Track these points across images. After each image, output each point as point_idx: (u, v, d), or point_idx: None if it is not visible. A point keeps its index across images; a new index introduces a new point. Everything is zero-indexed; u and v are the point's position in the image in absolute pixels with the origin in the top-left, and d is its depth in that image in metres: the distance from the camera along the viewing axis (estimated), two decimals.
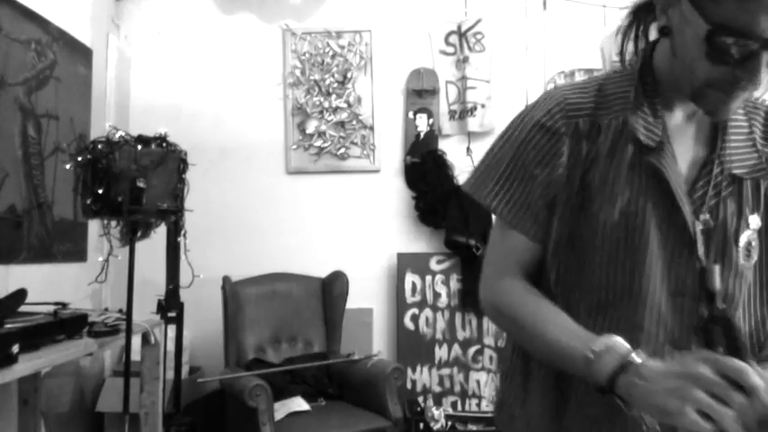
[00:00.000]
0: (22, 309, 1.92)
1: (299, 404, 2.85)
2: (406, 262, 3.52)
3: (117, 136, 2.10)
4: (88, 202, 2.08)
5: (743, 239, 0.89)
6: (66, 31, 2.94)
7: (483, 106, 3.59)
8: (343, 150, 3.64)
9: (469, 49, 3.61)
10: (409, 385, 3.40)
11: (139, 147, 2.12)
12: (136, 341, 2.31)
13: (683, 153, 0.90)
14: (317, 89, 3.66)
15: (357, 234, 3.65)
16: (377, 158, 3.65)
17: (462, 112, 3.61)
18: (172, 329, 2.56)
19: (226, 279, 3.17)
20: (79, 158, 2.11)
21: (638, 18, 0.94)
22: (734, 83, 0.79)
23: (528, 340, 0.93)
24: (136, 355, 2.39)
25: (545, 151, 0.92)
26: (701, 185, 0.89)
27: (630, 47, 0.95)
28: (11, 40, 2.53)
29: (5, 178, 2.48)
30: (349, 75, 3.65)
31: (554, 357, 0.87)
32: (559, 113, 0.92)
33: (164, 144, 2.20)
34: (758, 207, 0.91)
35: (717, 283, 0.84)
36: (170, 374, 2.68)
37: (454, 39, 3.65)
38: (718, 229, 0.88)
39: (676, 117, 0.91)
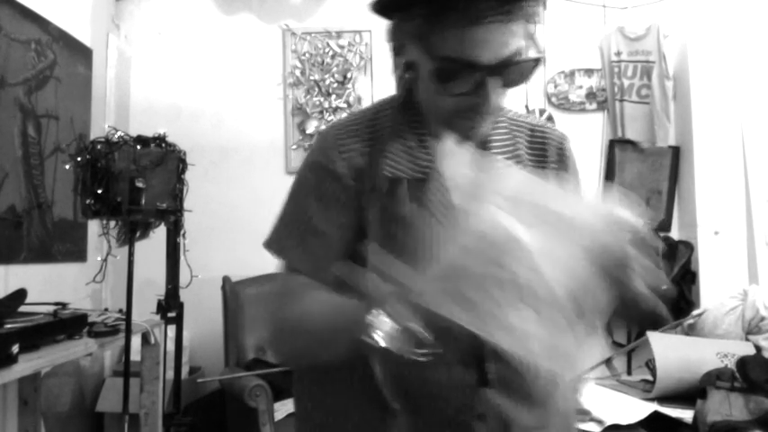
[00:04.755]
0: (22, 309, 1.92)
1: None
2: None
3: (116, 136, 2.10)
4: (88, 202, 2.09)
5: None
6: (66, 31, 2.94)
7: None
8: None
9: None
10: None
11: (138, 147, 2.12)
12: (136, 341, 2.31)
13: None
14: (316, 89, 3.66)
15: None
16: None
17: None
18: (172, 329, 2.57)
19: (226, 279, 3.17)
20: (78, 159, 2.11)
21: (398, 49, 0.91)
22: (474, 110, 0.83)
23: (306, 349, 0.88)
24: (136, 355, 2.40)
25: (328, 196, 0.90)
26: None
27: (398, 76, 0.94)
28: (11, 40, 2.53)
29: (5, 178, 2.49)
30: (349, 75, 3.65)
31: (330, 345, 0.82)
32: (335, 154, 0.91)
33: (163, 144, 2.20)
34: None
35: None
36: (170, 374, 2.68)
37: None
38: None
39: (447, 144, 0.90)
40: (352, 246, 0.89)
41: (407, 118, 0.93)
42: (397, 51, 0.89)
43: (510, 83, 0.83)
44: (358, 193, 0.90)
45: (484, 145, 0.92)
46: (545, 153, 0.97)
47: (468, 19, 0.77)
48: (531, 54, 0.82)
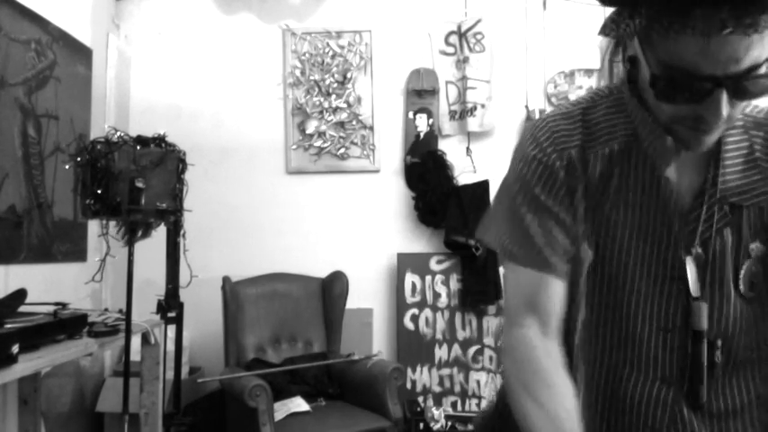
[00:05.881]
0: (22, 309, 1.92)
1: (298, 404, 2.85)
2: (406, 262, 3.52)
3: (116, 136, 2.10)
4: (88, 202, 2.08)
5: (744, 271, 0.84)
6: (66, 31, 2.94)
7: (483, 106, 3.59)
8: (343, 150, 3.64)
9: (469, 49, 3.61)
10: (409, 385, 3.40)
11: (138, 147, 2.12)
12: (136, 341, 2.31)
13: (678, 181, 0.85)
14: (316, 89, 3.66)
15: (357, 234, 3.65)
16: (377, 158, 3.65)
17: (462, 113, 3.61)
18: (172, 329, 2.56)
19: (226, 279, 3.17)
20: (78, 159, 2.11)
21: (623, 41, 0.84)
22: (698, 120, 0.74)
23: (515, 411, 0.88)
24: (136, 355, 2.40)
25: (546, 185, 0.88)
26: (694, 216, 0.84)
27: (617, 70, 0.88)
28: (11, 40, 2.53)
29: (5, 178, 2.49)
30: (349, 75, 3.65)
31: None
32: (551, 146, 0.88)
33: (162, 144, 2.20)
34: (760, 233, 0.84)
35: (703, 321, 0.81)
36: (170, 374, 2.68)
37: (454, 39, 3.65)
38: (713, 262, 0.83)
39: (668, 142, 0.84)
40: (567, 241, 0.87)
41: (625, 114, 0.86)
42: (619, 42, 0.81)
43: (744, 96, 0.72)
44: (571, 189, 0.87)
45: (714, 149, 0.83)
46: None
47: (699, 29, 0.66)
48: None
